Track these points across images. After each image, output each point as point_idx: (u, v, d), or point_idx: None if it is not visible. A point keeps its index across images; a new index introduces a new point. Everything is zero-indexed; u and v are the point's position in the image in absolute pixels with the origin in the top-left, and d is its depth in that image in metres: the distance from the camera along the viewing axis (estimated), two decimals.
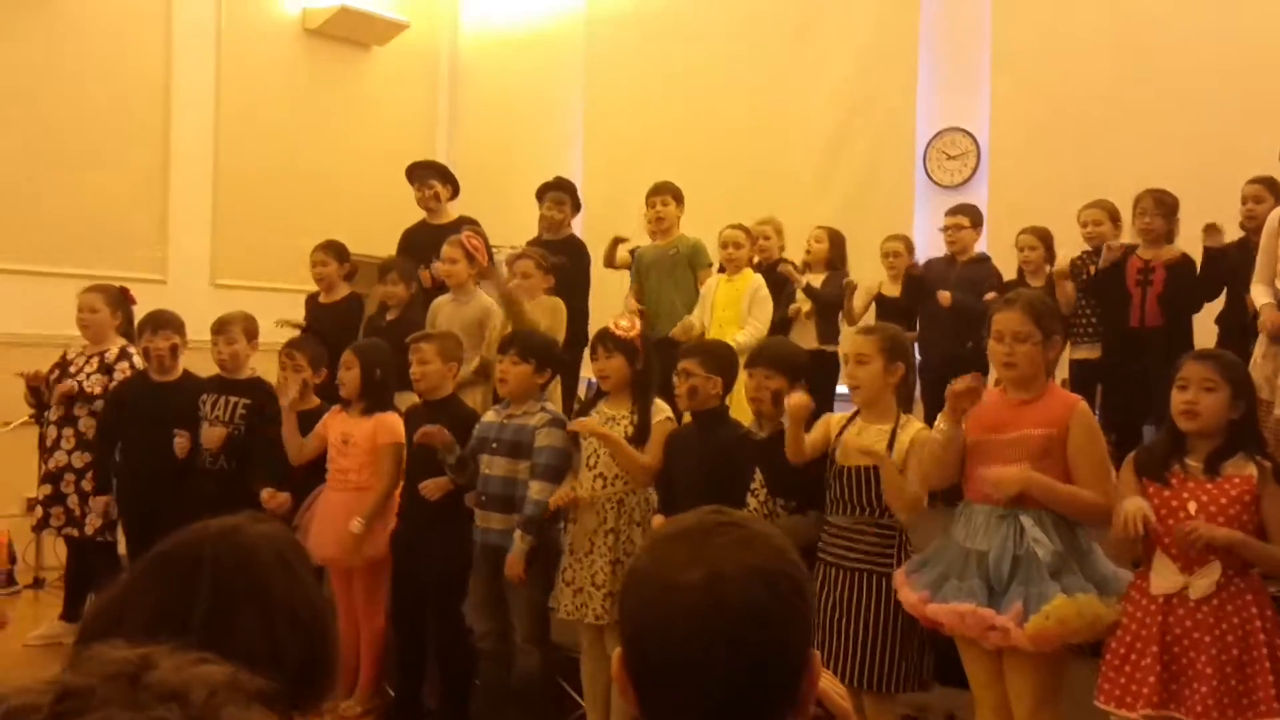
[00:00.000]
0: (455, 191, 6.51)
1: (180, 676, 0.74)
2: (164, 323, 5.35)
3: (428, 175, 6.43)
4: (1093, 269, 5.51)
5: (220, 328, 5.27)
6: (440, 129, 9.53)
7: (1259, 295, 4.51)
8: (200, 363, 5.56)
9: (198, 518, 1.34)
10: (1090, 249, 5.66)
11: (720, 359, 4.02)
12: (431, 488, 4.43)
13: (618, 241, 6.26)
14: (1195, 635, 2.93)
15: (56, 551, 6.15)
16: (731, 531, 1.18)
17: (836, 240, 6.26)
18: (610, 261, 6.27)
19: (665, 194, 6.05)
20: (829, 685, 1.29)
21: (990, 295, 5.50)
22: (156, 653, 0.75)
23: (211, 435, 5.07)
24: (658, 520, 3.96)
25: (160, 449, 5.17)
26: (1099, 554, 3.25)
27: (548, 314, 5.26)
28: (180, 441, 5.13)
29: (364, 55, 8.97)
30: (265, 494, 4.85)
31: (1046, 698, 3.17)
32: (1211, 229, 5.16)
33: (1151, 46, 6.64)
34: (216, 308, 5.66)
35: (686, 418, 4.14)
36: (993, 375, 4.32)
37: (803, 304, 6.07)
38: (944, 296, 5.78)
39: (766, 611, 1.13)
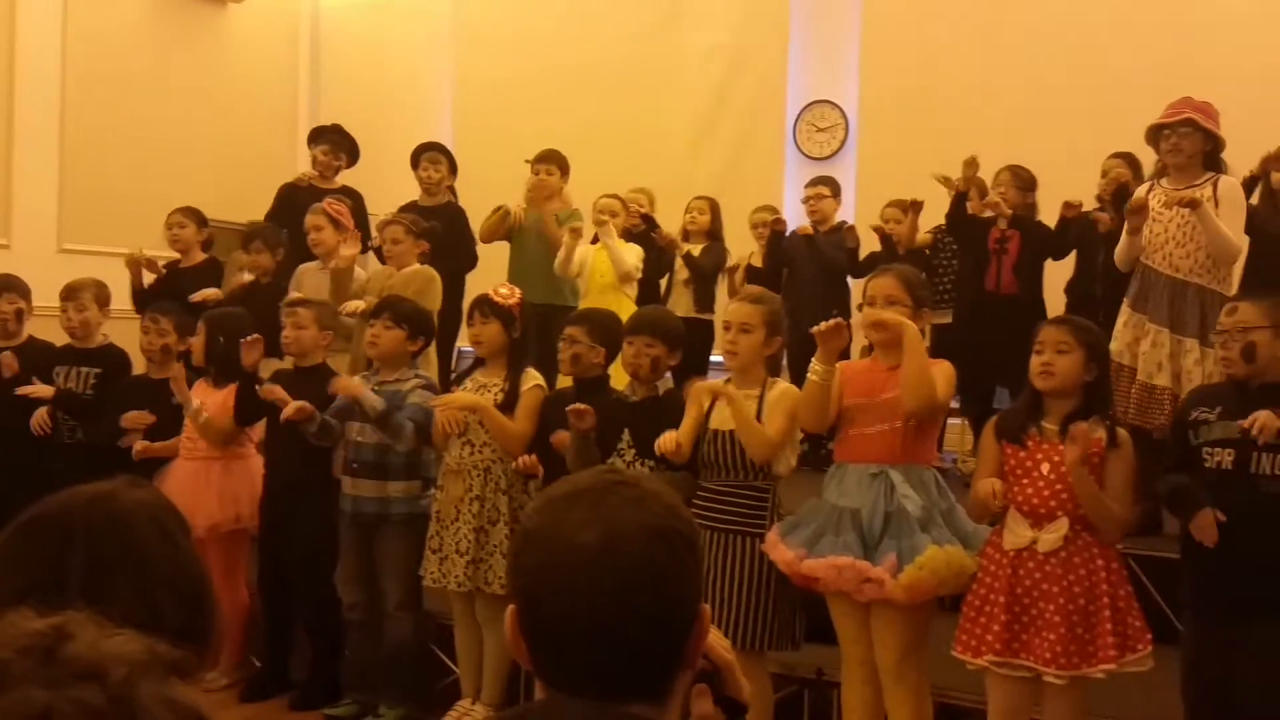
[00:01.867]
0: (352, 164, 6.40)
1: (97, 651, 0.71)
2: (7, 286, 5.12)
3: (340, 144, 6.32)
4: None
5: (69, 294, 5.07)
6: (302, 92, 9.24)
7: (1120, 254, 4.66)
8: (46, 330, 5.31)
9: (56, 480, 1.28)
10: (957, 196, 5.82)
11: (606, 328, 4.03)
12: (286, 406, 4.24)
13: (502, 214, 6.10)
14: (1044, 586, 3.07)
15: None
16: (625, 490, 1.19)
17: (715, 211, 6.34)
18: (491, 237, 6.15)
19: (550, 162, 6.01)
20: (714, 639, 1.31)
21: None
22: (71, 622, 0.72)
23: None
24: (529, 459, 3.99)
25: (5, 417, 4.92)
26: (960, 511, 3.38)
27: (417, 283, 5.15)
28: (37, 423, 4.89)
29: (220, 12, 8.61)
30: (128, 417, 4.73)
31: (911, 649, 3.29)
32: (1069, 205, 5.35)
33: (1017, 23, 6.88)
34: (64, 273, 5.43)
35: (568, 382, 4.13)
36: (860, 342, 4.44)
37: (680, 272, 6.12)
38: (804, 227, 5.90)
39: (661, 569, 1.14)
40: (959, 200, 5.52)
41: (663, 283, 6.23)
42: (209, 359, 4.68)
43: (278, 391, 4.27)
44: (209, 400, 4.63)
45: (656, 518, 1.17)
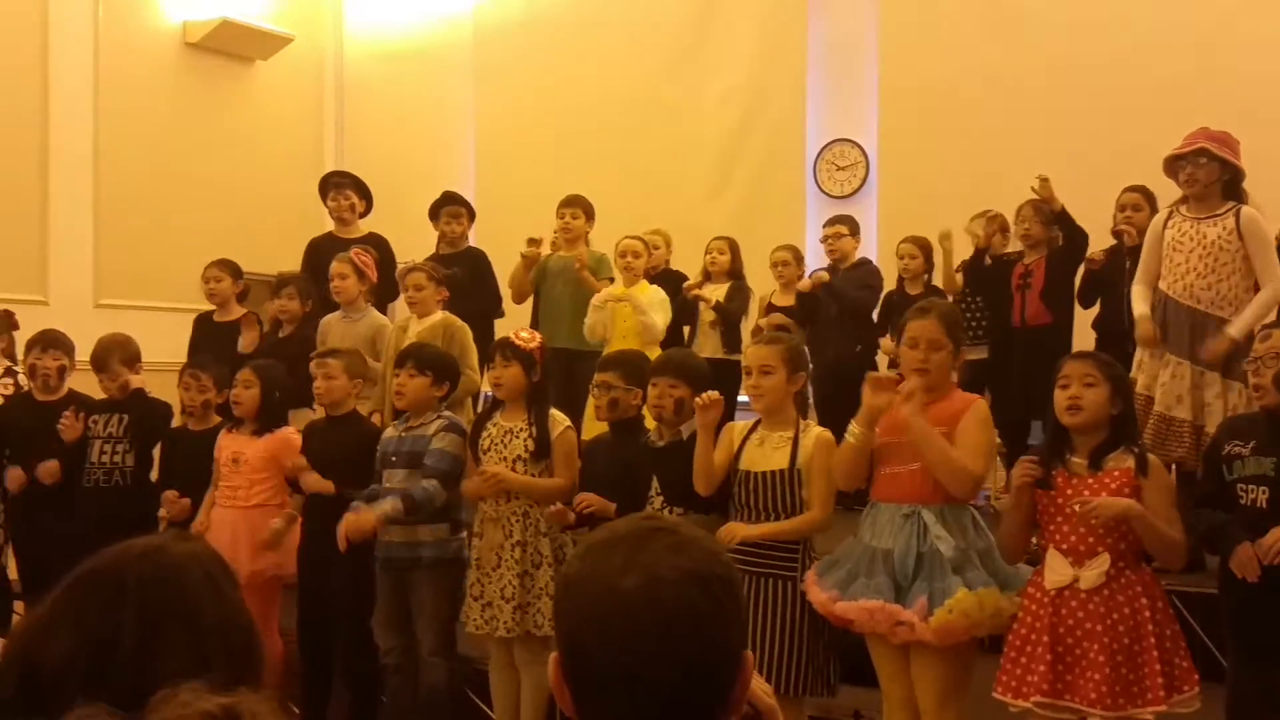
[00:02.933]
0: (369, 207, 6.42)
1: None
2: (54, 342, 5.20)
3: (345, 185, 6.33)
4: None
5: (100, 365, 5.11)
6: (329, 143, 9.40)
7: (1137, 299, 4.69)
8: (85, 384, 5.39)
9: (92, 537, 1.30)
10: (976, 251, 5.88)
11: (639, 370, 4.05)
12: (313, 483, 4.41)
13: (530, 259, 6.09)
14: (1087, 625, 3.04)
15: None
16: (665, 537, 1.20)
17: (735, 250, 6.34)
18: (522, 292, 6.14)
19: (575, 206, 6.06)
20: (756, 684, 1.32)
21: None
22: (243, 702, 0.73)
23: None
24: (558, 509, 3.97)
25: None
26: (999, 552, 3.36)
27: (445, 332, 5.20)
28: (46, 474, 4.97)
29: (248, 69, 8.79)
30: (168, 495, 4.76)
31: (952, 692, 3.26)
32: (1090, 260, 5.43)
33: (1035, 56, 6.91)
34: (101, 328, 5.48)
35: (603, 427, 4.14)
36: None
37: (705, 314, 6.13)
38: (819, 276, 5.94)
39: (702, 615, 1.16)
40: (979, 255, 5.60)
41: (686, 329, 6.25)
42: (263, 410, 4.69)
43: (315, 485, 4.36)
44: (248, 450, 4.66)
45: (697, 563, 1.18)
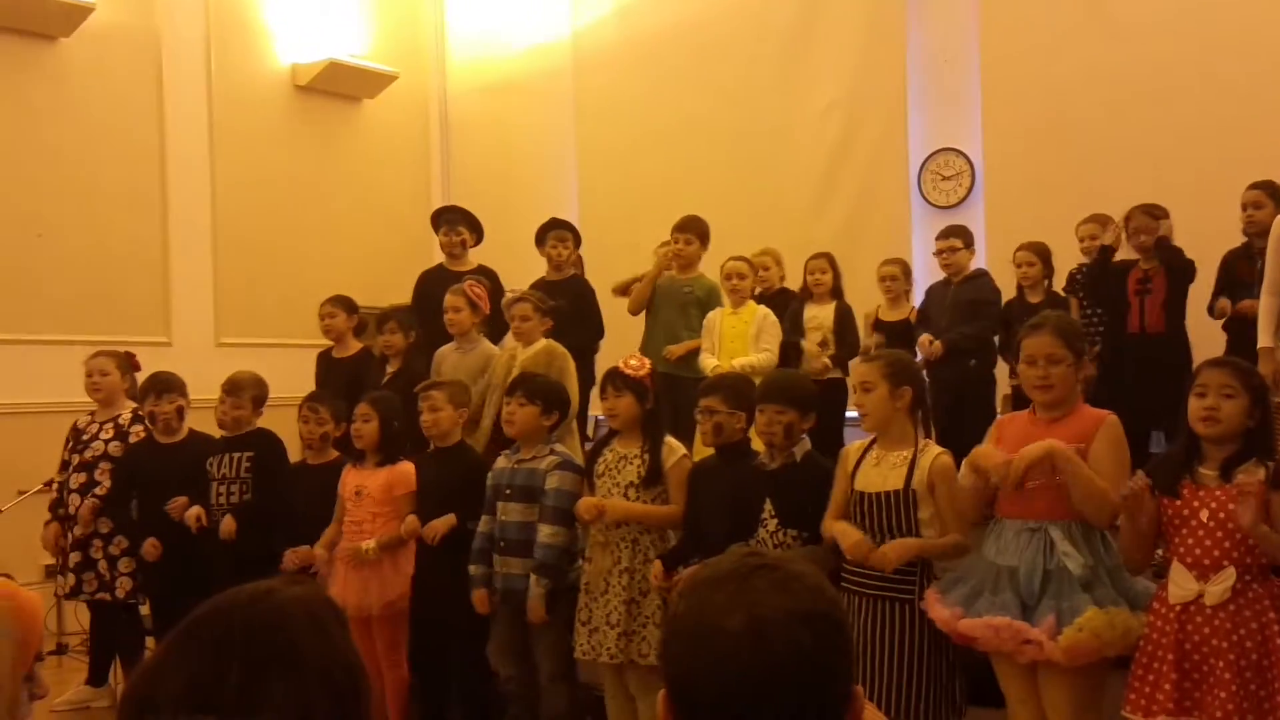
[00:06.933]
0: (479, 239, 6.54)
1: None
2: (167, 386, 5.36)
3: (456, 221, 6.45)
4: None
5: (233, 388, 5.29)
6: (435, 176, 9.60)
7: (1264, 320, 4.51)
8: (205, 422, 5.59)
9: (219, 577, 1.34)
10: (1087, 261, 5.71)
11: (741, 393, 4.03)
12: (430, 532, 4.51)
13: (649, 278, 6.09)
14: (1214, 642, 2.93)
15: (77, 617, 6.14)
16: (769, 574, 1.20)
17: (835, 266, 6.28)
18: (639, 304, 6.13)
19: (690, 231, 6.00)
20: (872, 717, 1.30)
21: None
22: None
23: (226, 526, 5.03)
24: (656, 567, 3.94)
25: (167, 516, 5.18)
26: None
27: (547, 359, 5.25)
28: (176, 510, 5.13)
29: (355, 108, 9.04)
30: (288, 556, 4.88)
31: (1083, 712, 3.17)
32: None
33: (1140, 58, 6.71)
34: (222, 367, 5.66)
35: (709, 451, 4.14)
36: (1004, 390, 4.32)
37: (813, 334, 6.05)
38: (935, 349, 5.78)
39: (809, 654, 1.15)
40: (1107, 255, 5.44)
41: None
42: (383, 443, 4.78)
43: (437, 533, 4.50)
44: (369, 483, 4.75)
45: (801, 601, 1.17)
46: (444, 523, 4.51)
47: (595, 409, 6.29)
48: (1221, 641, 2.92)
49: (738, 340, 5.68)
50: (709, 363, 5.64)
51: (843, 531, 3.50)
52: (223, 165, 8.09)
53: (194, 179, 7.94)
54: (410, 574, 4.67)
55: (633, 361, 4.27)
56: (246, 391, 5.27)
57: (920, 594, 3.42)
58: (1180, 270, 5.39)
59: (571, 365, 5.30)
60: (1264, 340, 4.48)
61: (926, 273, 6.60)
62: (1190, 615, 2.98)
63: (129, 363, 5.73)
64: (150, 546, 5.14)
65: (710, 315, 5.84)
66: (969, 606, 3.24)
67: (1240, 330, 5.15)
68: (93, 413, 5.63)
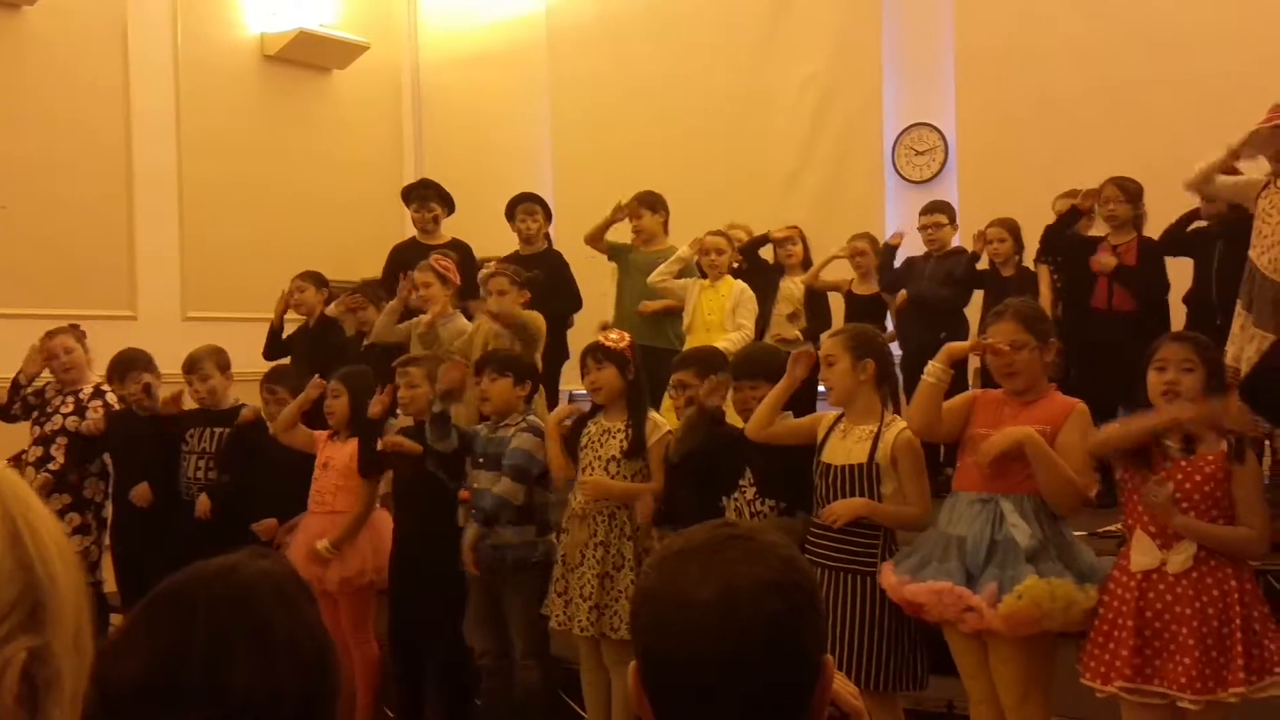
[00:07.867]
0: (450, 211, 6.54)
1: None
2: (130, 364, 5.33)
3: (428, 197, 6.45)
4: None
5: (191, 366, 5.26)
6: (408, 149, 9.52)
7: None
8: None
9: (189, 552, 1.33)
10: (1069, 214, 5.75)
11: (714, 366, 4.03)
12: (394, 443, 4.50)
13: (615, 213, 6.05)
14: (1176, 609, 2.97)
15: None
16: (741, 545, 1.20)
17: (805, 240, 6.34)
18: (597, 239, 6.12)
19: (643, 205, 6.02)
20: (841, 685, 1.31)
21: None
22: None
23: (202, 505, 5.03)
24: (646, 507, 3.99)
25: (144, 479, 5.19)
26: (1081, 546, 3.29)
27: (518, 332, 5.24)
28: (139, 498, 5.14)
29: (325, 79, 8.93)
30: (255, 527, 4.89)
31: (1033, 687, 3.20)
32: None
33: (1115, 34, 6.72)
34: (189, 341, 5.62)
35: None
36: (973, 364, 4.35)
37: (781, 305, 6.10)
38: (901, 295, 5.89)
39: (781, 624, 1.15)
40: (1071, 220, 5.45)
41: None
42: (353, 418, 4.76)
43: (403, 444, 4.40)
44: (338, 455, 4.74)
45: (773, 571, 1.17)
46: (410, 447, 4.47)
47: (568, 383, 6.29)
48: (1185, 609, 2.95)
49: (715, 314, 5.69)
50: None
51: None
52: (189, 137, 7.97)
53: (160, 151, 7.82)
54: (368, 550, 4.66)
55: (612, 335, 4.27)
56: (206, 361, 5.24)
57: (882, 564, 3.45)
58: (1145, 285, 5.43)
59: (543, 324, 5.31)
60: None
61: (902, 249, 6.57)
62: (1153, 583, 3.02)
63: (81, 334, 5.65)
64: (142, 492, 5.14)
65: (687, 282, 5.83)
66: (916, 574, 3.27)
67: (1202, 306, 5.19)
68: (57, 385, 5.56)
